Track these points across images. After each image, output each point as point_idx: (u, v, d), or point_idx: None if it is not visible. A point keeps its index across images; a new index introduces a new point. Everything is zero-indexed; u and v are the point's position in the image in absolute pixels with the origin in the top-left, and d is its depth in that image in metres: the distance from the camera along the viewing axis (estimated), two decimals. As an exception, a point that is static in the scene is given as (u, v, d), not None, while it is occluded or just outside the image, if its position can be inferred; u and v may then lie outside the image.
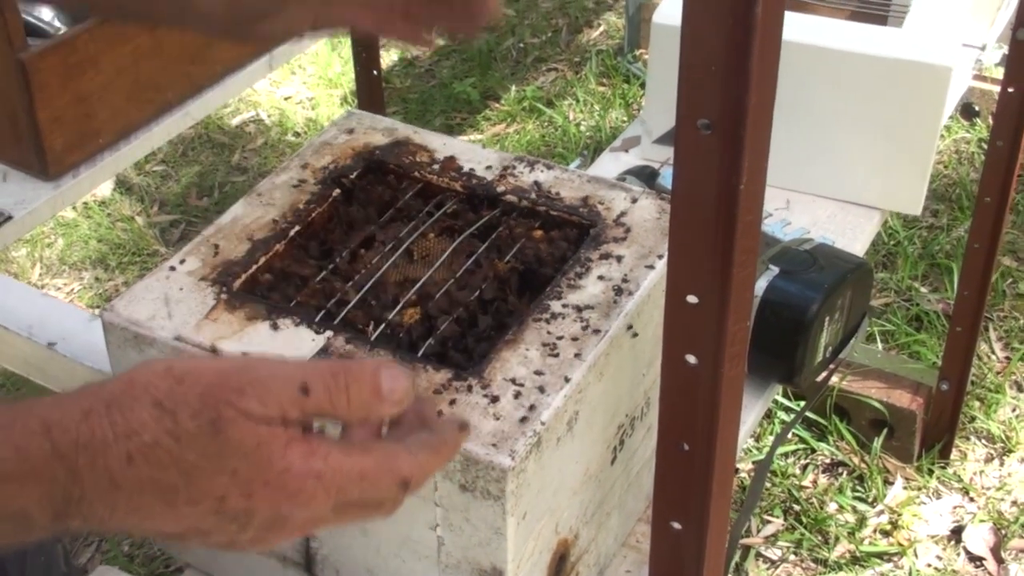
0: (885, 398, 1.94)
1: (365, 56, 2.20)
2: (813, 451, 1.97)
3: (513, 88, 2.96)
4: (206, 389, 0.61)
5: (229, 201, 2.65)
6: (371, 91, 2.24)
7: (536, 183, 1.04)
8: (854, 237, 1.39)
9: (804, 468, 1.95)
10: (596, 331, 0.89)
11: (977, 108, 2.65)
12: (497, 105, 2.92)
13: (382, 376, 0.64)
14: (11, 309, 1.31)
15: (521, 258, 0.97)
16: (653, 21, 1.42)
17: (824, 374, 1.24)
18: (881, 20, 1.51)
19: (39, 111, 1.37)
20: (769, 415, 2.00)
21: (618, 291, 0.93)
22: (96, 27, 1.40)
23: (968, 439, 1.99)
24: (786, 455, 1.97)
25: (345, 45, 3.05)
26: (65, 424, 0.59)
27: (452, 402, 0.84)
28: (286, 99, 2.99)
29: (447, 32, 0.93)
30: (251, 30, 0.87)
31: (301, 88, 3.02)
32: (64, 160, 1.43)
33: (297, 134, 2.86)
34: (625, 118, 2.80)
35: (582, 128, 2.78)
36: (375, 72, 2.22)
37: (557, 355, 0.87)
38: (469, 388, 0.85)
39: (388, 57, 3.10)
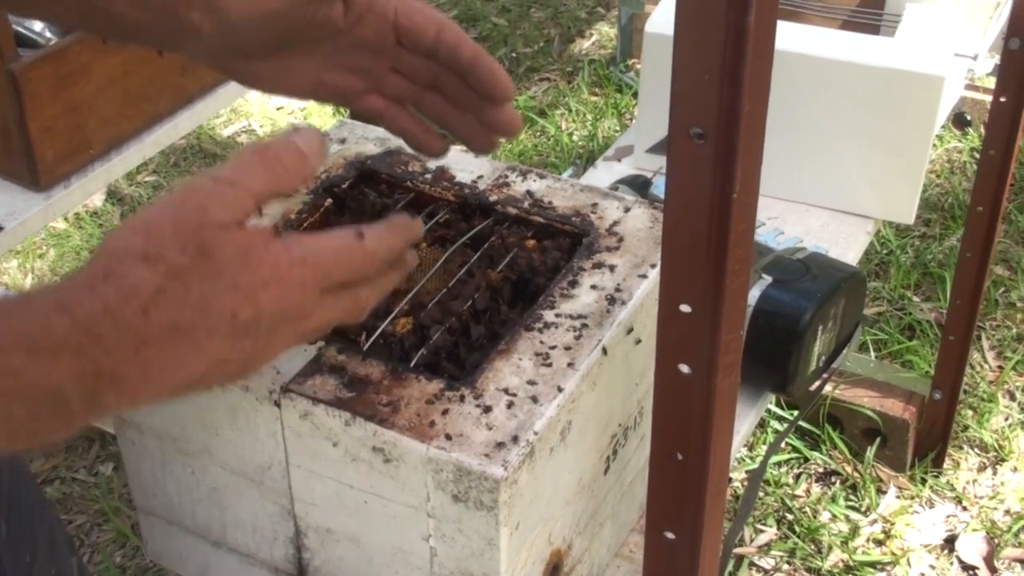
0: (878, 407, 1.94)
1: (357, 66, 2.20)
2: (806, 460, 1.97)
3: (505, 98, 2.96)
4: (174, 225, 0.64)
5: (221, 211, 2.65)
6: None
7: (529, 192, 1.04)
8: (847, 246, 1.39)
9: (797, 477, 1.95)
10: (589, 340, 0.89)
11: (969, 117, 2.66)
12: (489, 115, 2.92)
13: (297, 139, 0.71)
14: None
15: (514, 267, 0.97)
16: (645, 30, 1.42)
17: (817, 383, 1.23)
18: (873, 30, 1.51)
19: (30, 121, 1.37)
20: (762, 424, 1.99)
21: (611, 300, 0.93)
22: (87, 37, 1.40)
23: (961, 448, 1.99)
24: (779, 464, 1.96)
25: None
26: (78, 299, 0.62)
27: (445, 412, 0.83)
28: (278, 109, 2.99)
29: (461, 141, 0.94)
30: (247, 68, 0.87)
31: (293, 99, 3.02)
32: (55, 170, 1.43)
33: (289, 144, 2.86)
34: (617, 128, 2.80)
35: (574, 138, 2.79)
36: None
37: (550, 365, 0.87)
38: (462, 398, 0.84)
39: (380, 67, 3.10)
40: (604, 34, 3.24)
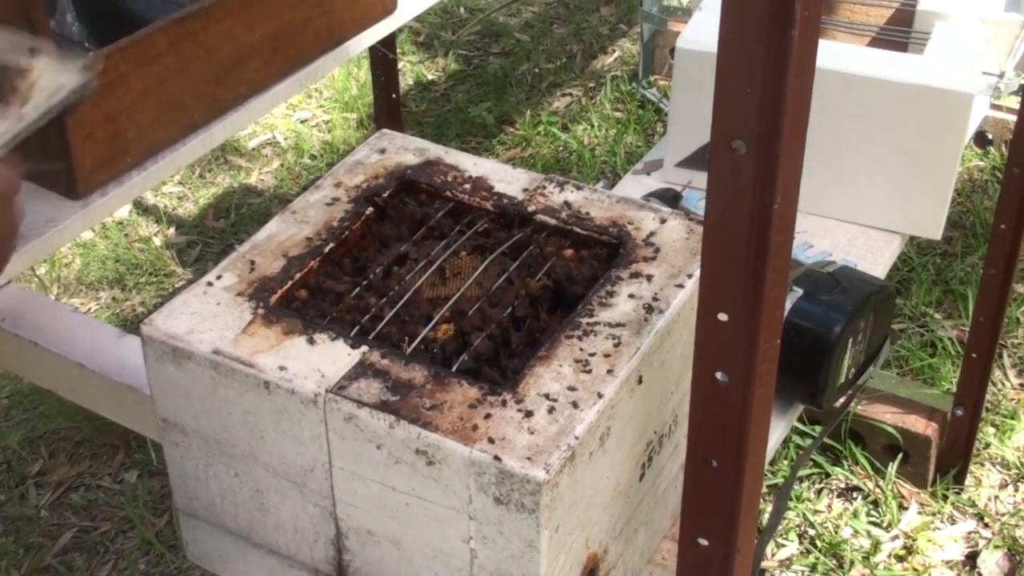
0: (900, 423, 1.94)
1: (384, 79, 2.22)
2: (828, 475, 1.98)
3: (528, 113, 2.98)
4: None
5: (245, 223, 2.68)
6: (390, 114, 2.26)
7: (566, 203, 1.06)
8: (875, 261, 1.40)
9: (819, 492, 1.96)
10: (628, 348, 0.91)
11: (990, 136, 2.67)
12: (512, 129, 2.94)
13: None
14: (41, 326, 1.32)
15: (552, 276, 0.99)
16: (677, 46, 1.44)
17: (844, 398, 1.25)
18: (901, 47, 1.52)
19: (70, 129, 1.39)
20: (784, 440, 2.00)
21: (648, 309, 0.94)
22: (125, 46, 1.42)
23: (983, 465, 2.00)
24: (801, 479, 1.97)
25: (362, 69, 3.08)
26: None
27: (487, 416, 0.85)
28: (302, 122, 3.01)
29: None
30: None
31: (317, 111, 3.05)
32: (93, 179, 1.44)
33: (313, 156, 2.88)
34: (640, 143, 2.82)
35: (597, 153, 2.80)
36: (394, 96, 2.24)
37: (590, 371, 0.89)
38: (504, 403, 0.86)
39: (404, 81, 3.13)
40: (626, 50, 3.26)
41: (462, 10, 3.44)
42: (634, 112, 2.94)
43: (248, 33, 1.56)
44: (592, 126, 2.91)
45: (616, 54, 3.26)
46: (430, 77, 3.19)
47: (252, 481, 0.97)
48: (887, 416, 1.96)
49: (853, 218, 1.46)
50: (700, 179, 1.46)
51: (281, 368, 0.90)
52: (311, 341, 0.92)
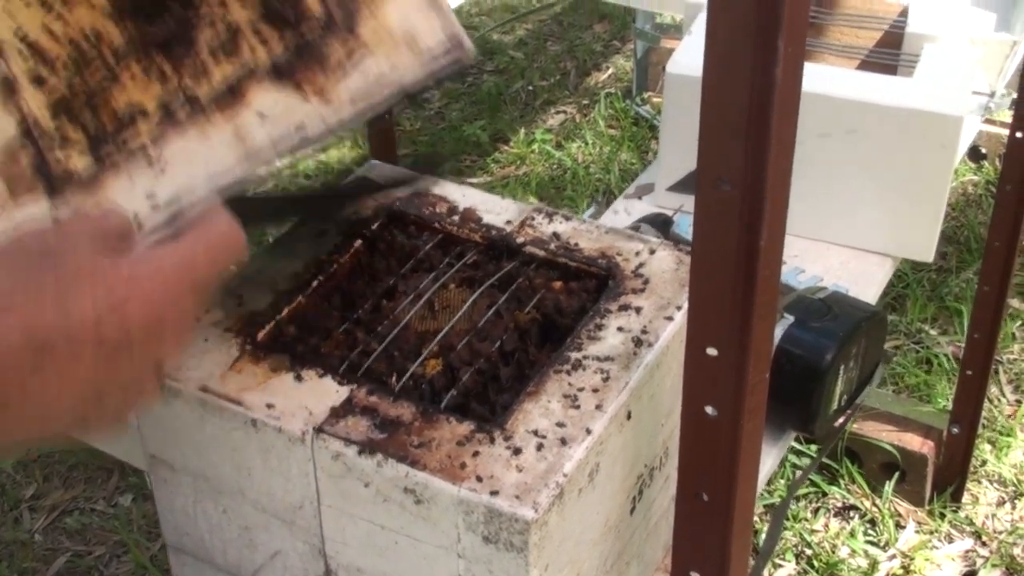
0: (896, 441, 1.94)
1: (378, 101, 2.21)
2: (824, 495, 1.98)
3: (522, 130, 2.99)
4: (15, 245, 0.62)
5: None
6: (383, 134, 2.26)
7: (555, 234, 1.06)
8: (867, 284, 1.40)
9: (815, 512, 1.95)
10: (617, 382, 0.90)
11: (984, 151, 2.67)
12: (506, 147, 2.95)
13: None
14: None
15: (541, 309, 0.99)
16: (667, 71, 1.44)
17: (839, 422, 1.24)
18: (891, 70, 1.52)
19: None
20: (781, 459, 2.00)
21: (637, 342, 0.94)
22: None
23: (980, 482, 2.00)
24: (797, 499, 1.97)
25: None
26: None
27: (475, 454, 0.85)
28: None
29: None
30: None
31: (312, 130, 3.05)
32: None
33: (308, 176, 2.88)
34: (635, 160, 2.82)
35: (591, 170, 2.80)
36: (387, 115, 2.23)
37: (578, 407, 0.88)
38: (492, 440, 0.86)
39: (398, 100, 3.12)
40: (620, 67, 3.27)
41: (456, 27, 3.44)
42: (628, 129, 2.94)
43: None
44: (586, 143, 2.91)
45: (610, 71, 3.26)
46: (424, 95, 3.19)
47: (240, 518, 0.96)
48: (883, 434, 1.95)
49: (845, 241, 1.46)
50: (691, 203, 1.46)
51: (268, 406, 0.90)
52: (299, 378, 0.92)
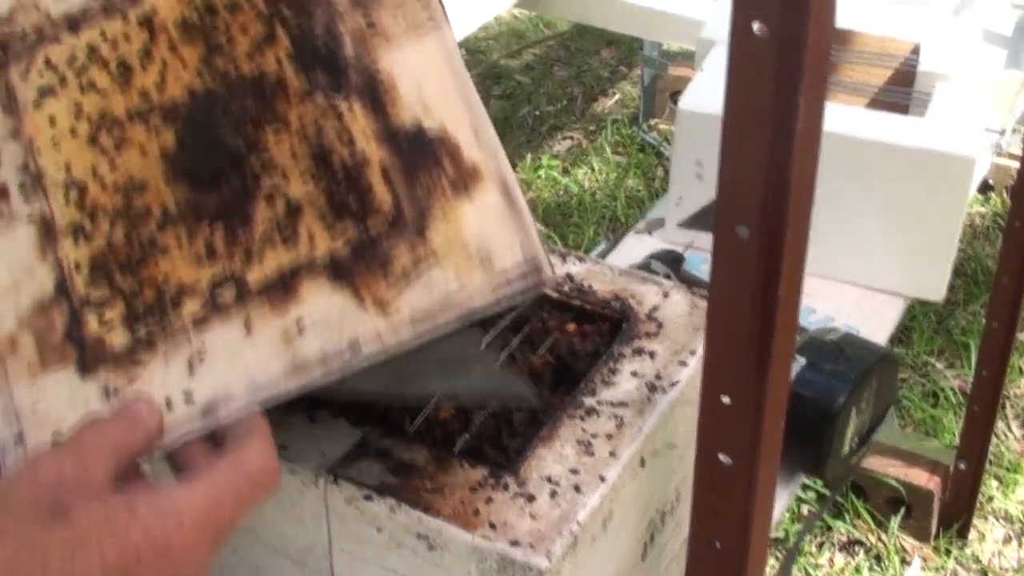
0: (902, 476, 1.93)
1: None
2: (829, 529, 1.97)
3: (529, 156, 2.99)
4: (29, 488, 0.57)
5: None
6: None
7: (569, 275, 1.06)
8: (878, 324, 1.39)
9: (820, 546, 1.95)
10: (631, 429, 0.90)
11: (991, 183, 2.67)
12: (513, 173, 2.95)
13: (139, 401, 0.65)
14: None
15: (555, 352, 0.98)
16: (679, 107, 1.44)
17: (849, 464, 1.24)
18: (902, 108, 1.52)
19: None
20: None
21: (651, 388, 0.94)
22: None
23: (986, 519, 1.99)
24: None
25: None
26: None
27: (489, 500, 0.84)
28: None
29: None
30: None
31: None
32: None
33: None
34: (641, 188, 2.82)
35: (597, 197, 2.80)
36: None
37: (592, 453, 0.88)
38: (505, 486, 0.85)
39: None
40: (627, 93, 3.27)
41: (463, 52, 3.45)
42: (634, 156, 2.95)
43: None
44: (592, 170, 2.91)
45: (616, 97, 3.27)
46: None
47: (252, 558, 0.96)
48: (889, 469, 1.95)
49: (856, 280, 1.46)
50: (702, 239, 1.46)
51: (282, 447, 0.89)
52: (312, 419, 0.92)
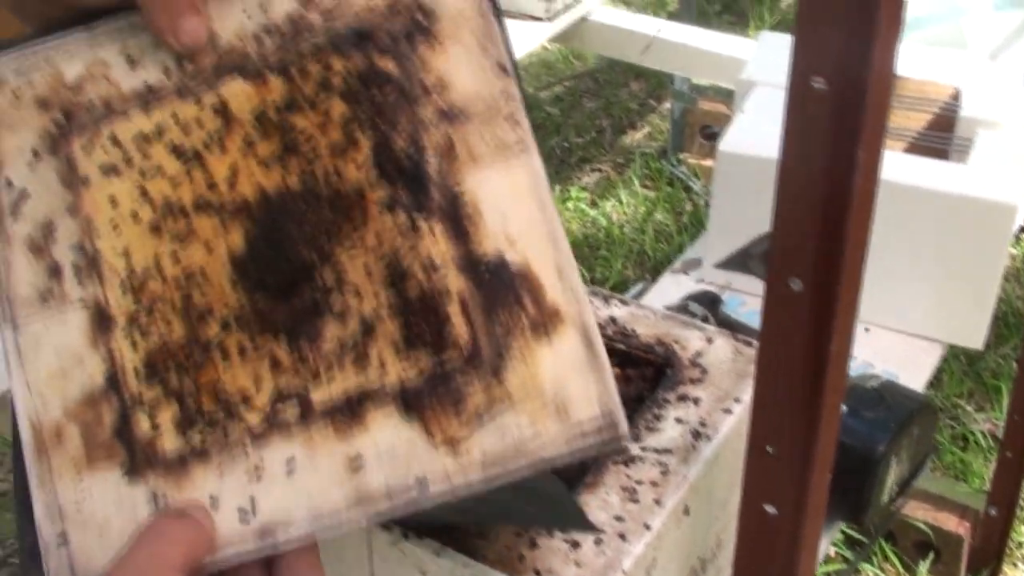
0: (931, 520, 1.92)
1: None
2: (858, 572, 1.95)
3: (558, 187, 2.99)
4: None
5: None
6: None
7: (612, 318, 1.05)
8: (916, 370, 1.39)
9: (848, 589, 1.93)
10: (675, 477, 0.90)
11: (1022, 225, 2.66)
12: (541, 204, 2.95)
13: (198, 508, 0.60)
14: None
15: (598, 396, 0.98)
16: (719, 149, 1.44)
17: (889, 512, 1.23)
18: (941, 153, 1.52)
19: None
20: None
21: (696, 435, 0.93)
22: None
23: (1016, 566, 1.97)
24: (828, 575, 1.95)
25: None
26: None
27: (533, 545, 0.84)
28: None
29: None
30: None
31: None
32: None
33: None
34: (669, 222, 2.82)
35: (626, 231, 2.80)
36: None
37: (637, 501, 0.88)
38: (550, 532, 0.85)
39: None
40: (656, 126, 3.27)
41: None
42: (663, 190, 2.94)
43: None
44: (621, 203, 2.91)
45: (645, 129, 3.27)
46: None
47: (290, 596, 0.95)
48: (918, 512, 1.93)
49: (894, 325, 1.46)
50: (739, 280, 1.46)
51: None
52: (355, 459, 0.91)
